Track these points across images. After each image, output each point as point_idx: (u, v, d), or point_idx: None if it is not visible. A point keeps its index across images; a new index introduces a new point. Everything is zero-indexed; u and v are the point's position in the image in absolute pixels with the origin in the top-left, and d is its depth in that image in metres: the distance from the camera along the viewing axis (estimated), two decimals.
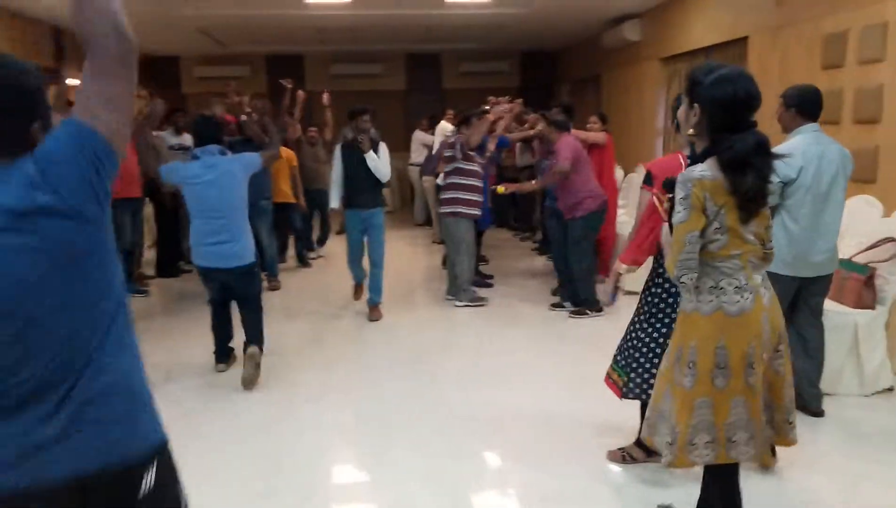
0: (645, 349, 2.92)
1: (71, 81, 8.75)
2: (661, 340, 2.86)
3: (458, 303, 5.91)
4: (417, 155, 9.92)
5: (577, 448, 3.31)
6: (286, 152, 6.97)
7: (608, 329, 5.13)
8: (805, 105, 3.33)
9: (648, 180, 2.91)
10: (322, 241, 8.18)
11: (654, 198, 2.81)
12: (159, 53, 11.40)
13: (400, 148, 11.43)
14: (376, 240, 5.54)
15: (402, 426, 3.61)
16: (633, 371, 2.96)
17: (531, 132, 6.80)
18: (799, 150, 3.19)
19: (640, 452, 3.09)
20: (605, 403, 3.28)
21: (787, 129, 3.39)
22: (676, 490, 2.87)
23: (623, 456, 3.14)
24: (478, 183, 5.80)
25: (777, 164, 2.08)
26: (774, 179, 2.13)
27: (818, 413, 3.53)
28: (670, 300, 2.83)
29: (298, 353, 4.77)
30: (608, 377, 3.12)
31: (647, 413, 2.34)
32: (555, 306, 5.74)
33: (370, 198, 5.46)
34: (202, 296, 4.99)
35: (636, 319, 2.98)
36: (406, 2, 7.71)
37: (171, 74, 11.78)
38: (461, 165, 5.72)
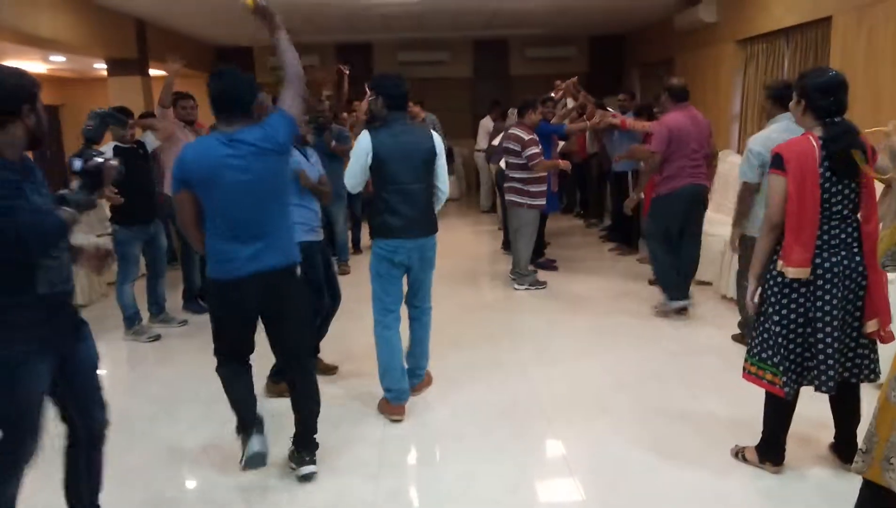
0: (782, 341, 2.72)
1: (153, 72, 9.17)
2: (791, 326, 2.70)
3: (517, 286, 6.01)
4: (484, 142, 9.92)
5: (625, 433, 3.30)
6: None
7: (671, 324, 5.05)
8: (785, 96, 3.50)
9: (780, 164, 2.62)
10: None
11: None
12: (232, 44, 11.76)
13: (466, 135, 11.48)
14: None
15: (467, 407, 3.68)
16: (780, 365, 2.73)
17: (589, 124, 6.68)
18: None
19: (753, 455, 2.97)
20: (653, 392, 3.22)
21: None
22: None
23: (737, 453, 3.04)
24: (542, 173, 5.83)
25: None
26: None
27: None
28: (785, 290, 2.68)
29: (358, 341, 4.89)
30: (750, 373, 2.85)
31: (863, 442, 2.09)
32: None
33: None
34: None
35: (767, 311, 2.76)
36: None
37: (245, 63, 12.12)
38: (528, 161, 5.72)
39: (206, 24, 9.62)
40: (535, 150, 5.66)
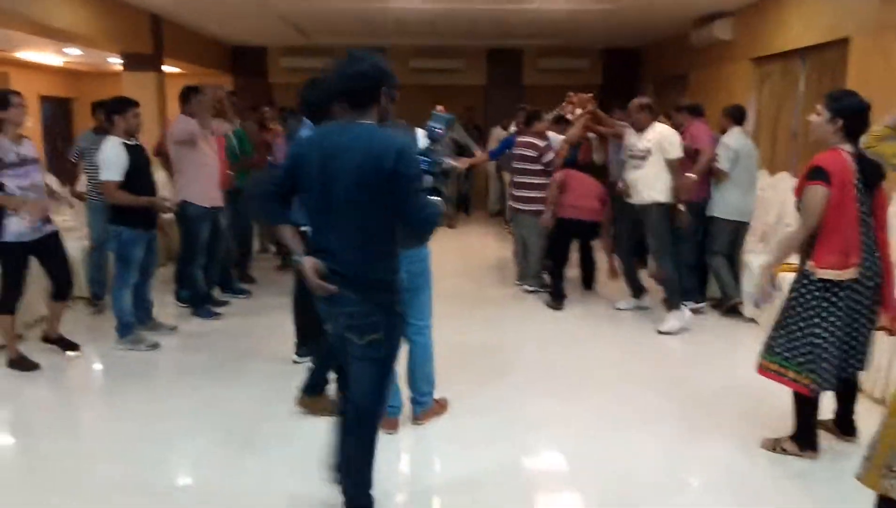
0: (825, 344, 2.94)
1: (167, 69, 9.18)
2: (838, 333, 2.95)
3: (527, 288, 6.10)
4: None
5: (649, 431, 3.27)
6: None
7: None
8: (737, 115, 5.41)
9: (823, 176, 2.87)
10: None
11: None
12: (248, 43, 11.79)
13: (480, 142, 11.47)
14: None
15: (467, 416, 3.61)
16: (819, 368, 2.95)
17: (585, 133, 6.50)
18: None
19: (792, 446, 3.14)
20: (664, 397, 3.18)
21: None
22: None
23: (773, 447, 3.19)
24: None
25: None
26: None
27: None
28: (832, 298, 2.93)
29: None
30: (771, 371, 3.09)
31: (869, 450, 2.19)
32: None
33: None
34: None
35: (804, 314, 2.97)
36: None
37: (259, 63, 12.13)
38: (545, 166, 5.82)
39: (221, 23, 9.65)
40: (552, 156, 5.74)
